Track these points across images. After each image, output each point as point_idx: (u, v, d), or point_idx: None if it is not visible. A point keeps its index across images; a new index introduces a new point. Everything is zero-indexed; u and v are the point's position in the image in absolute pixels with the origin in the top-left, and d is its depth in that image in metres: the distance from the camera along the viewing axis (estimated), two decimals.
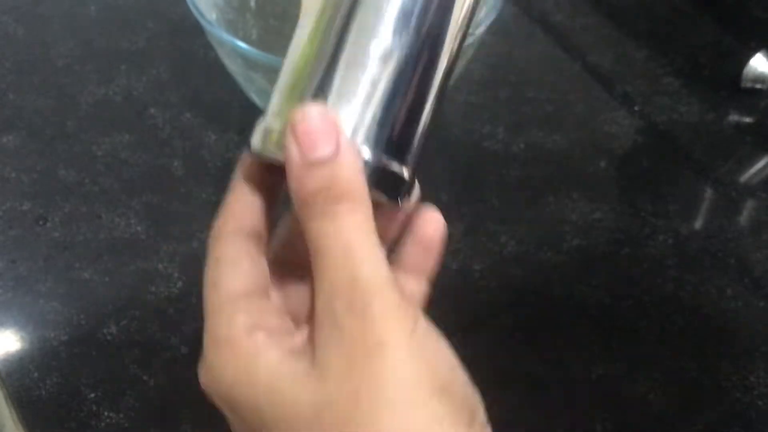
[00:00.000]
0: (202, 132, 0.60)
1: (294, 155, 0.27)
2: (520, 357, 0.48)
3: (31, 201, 0.55)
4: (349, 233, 0.26)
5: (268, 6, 0.62)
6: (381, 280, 0.26)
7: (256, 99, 0.58)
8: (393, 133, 0.29)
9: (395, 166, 0.29)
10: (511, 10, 0.69)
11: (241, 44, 0.51)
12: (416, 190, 0.31)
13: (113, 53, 0.66)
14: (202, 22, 0.52)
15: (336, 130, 0.27)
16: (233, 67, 0.55)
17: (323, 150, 0.27)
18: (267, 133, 0.31)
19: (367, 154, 0.28)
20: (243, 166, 0.31)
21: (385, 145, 0.29)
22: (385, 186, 0.29)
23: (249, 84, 0.56)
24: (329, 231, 0.27)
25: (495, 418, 0.46)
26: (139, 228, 0.54)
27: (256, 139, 0.31)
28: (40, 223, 0.54)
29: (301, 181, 0.27)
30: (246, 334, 0.27)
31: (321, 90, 0.29)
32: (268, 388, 0.27)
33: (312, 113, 0.27)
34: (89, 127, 0.60)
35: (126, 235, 0.54)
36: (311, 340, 0.27)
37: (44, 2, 0.70)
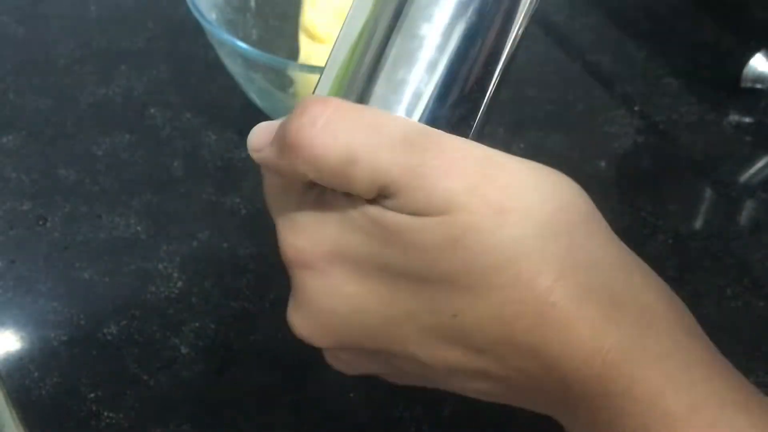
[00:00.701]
0: (202, 132, 0.60)
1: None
2: None
3: (31, 201, 0.56)
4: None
5: (268, 6, 0.62)
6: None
7: (256, 99, 0.58)
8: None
9: None
10: None
11: (241, 44, 0.51)
12: None
13: (113, 53, 0.66)
14: (202, 22, 0.52)
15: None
16: (233, 67, 0.55)
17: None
18: None
19: None
20: None
21: None
22: None
23: (249, 84, 0.56)
24: None
25: (495, 418, 0.46)
26: (139, 228, 0.54)
27: None
28: (40, 223, 0.54)
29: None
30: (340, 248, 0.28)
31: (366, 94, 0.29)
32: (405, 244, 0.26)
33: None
34: (89, 127, 0.60)
35: (126, 235, 0.54)
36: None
37: (44, 2, 0.70)
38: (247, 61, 0.53)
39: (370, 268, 0.27)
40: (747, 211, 0.58)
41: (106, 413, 0.45)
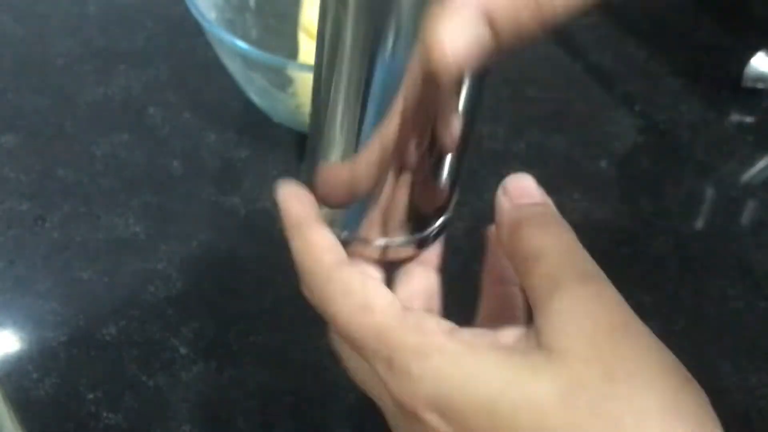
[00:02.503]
0: (201, 132, 0.60)
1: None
2: None
3: (29, 201, 0.55)
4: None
5: (268, 5, 0.62)
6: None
7: (255, 99, 0.58)
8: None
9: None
10: None
11: (241, 44, 0.51)
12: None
13: (112, 53, 0.66)
14: (202, 22, 0.52)
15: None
16: (232, 66, 0.55)
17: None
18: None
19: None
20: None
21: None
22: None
23: (248, 83, 0.56)
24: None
25: None
26: (138, 228, 0.54)
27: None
28: (39, 223, 0.54)
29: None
30: (447, 336, 0.26)
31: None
32: (502, 384, 0.24)
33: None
34: (88, 126, 0.60)
35: (125, 235, 0.54)
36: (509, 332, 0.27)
37: (43, 1, 0.69)
38: (246, 61, 0.53)
39: None
40: (748, 210, 0.58)
41: (105, 414, 0.45)
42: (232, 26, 0.58)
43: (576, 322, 0.25)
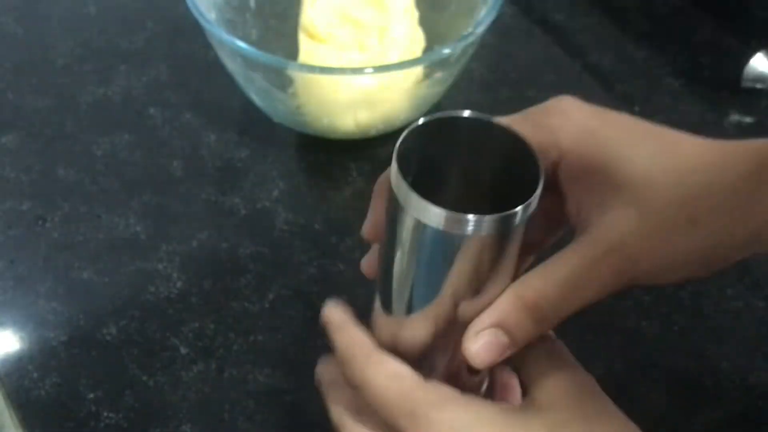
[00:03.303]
0: (201, 132, 0.60)
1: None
2: None
3: (30, 201, 0.55)
4: None
5: (268, 6, 0.62)
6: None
7: (255, 99, 0.58)
8: None
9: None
10: (511, 10, 0.69)
11: (241, 44, 0.51)
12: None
13: (112, 53, 0.66)
14: (202, 22, 0.52)
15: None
16: (233, 66, 0.55)
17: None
18: None
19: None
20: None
21: None
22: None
23: (249, 84, 0.56)
24: None
25: None
26: (138, 228, 0.54)
27: None
28: (40, 223, 0.54)
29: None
30: (461, 396, 0.33)
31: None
32: (504, 426, 0.32)
33: None
34: (89, 127, 0.60)
35: (125, 235, 0.54)
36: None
37: (44, 2, 0.70)
38: (246, 61, 0.53)
39: None
40: None
41: (105, 413, 0.45)
42: (233, 26, 0.58)
43: (558, 387, 0.33)
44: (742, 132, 0.63)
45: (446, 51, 0.52)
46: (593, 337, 0.50)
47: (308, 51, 0.57)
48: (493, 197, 0.31)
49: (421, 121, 0.31)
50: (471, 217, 0.29)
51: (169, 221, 0.55)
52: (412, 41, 0.58)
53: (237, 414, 0.46)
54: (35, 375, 0.47)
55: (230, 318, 0.50)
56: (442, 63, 0.54)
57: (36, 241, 0.53)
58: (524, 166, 0.30)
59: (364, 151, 0.59)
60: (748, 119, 0.63)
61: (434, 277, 0.31)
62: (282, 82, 0.55)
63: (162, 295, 0.51)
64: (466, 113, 0.31)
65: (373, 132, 0.58)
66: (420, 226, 0.30)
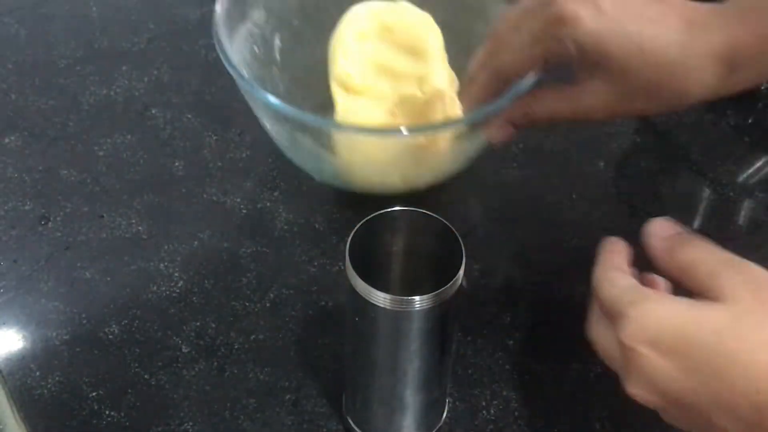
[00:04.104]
0: (203, 132, 0.60)
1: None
2: (520, 357, 0.49)
3: (33, 201, 0.56)
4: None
5: (292, 58, 0.58)
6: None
7: (299, 161, 0.55)
8: None
9: None
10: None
11: (295, 110, 0.47)
12: None
13: (115, 54, 0.66)
14: (257, 95, 0.48)
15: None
16: (276, 129, 0.52)
17: None
18: None
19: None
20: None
21: None
22: None
23: (294, 147, 0.53)
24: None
25: (494, 417, 0.46)
26: (140, 228, 0.54)
27: None
28: (42, 222, 0.55)
29: None
30: (654, 293, 0.38)
31: None
32: (696, 314, 0.36)
33: None
34: (91, 127, 0.61)
35: (127, 235, 0.54)
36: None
37: (46, 3, 0.70)
38: (295, 125, 0.50)
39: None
40: (745, 211, 0.58)
41: (107, 412, 0.45)
42: (261, 82, 0.54)
43: (735, 280, 0.37)
44: (739, 132, 0.63)
45: (493, 107, 0.48)
46: None
47: (345, 104, 0.53)
48: (434, 270, 0.39)
49: (365, 219, 0.38)
50: (409, 298, 0.36)
51: (171, 221, 0.55)
52: (450, 85, 0.55)
53: (238, 412, 0.46)
54: (38, 374, 0.47)
55: (231, 317, 0.50)
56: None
57: (38, 241, 0.54)
58: (451, 245, 0.38)
59: None
60: (745, 120, 0.64)
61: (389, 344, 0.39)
62: (329, 142, 0.51)
63: (163, 295, 0.51)
64: (399, 208, 0.39)
65: (421, 185, 0.53)
66: (370, 306, 0.37)
